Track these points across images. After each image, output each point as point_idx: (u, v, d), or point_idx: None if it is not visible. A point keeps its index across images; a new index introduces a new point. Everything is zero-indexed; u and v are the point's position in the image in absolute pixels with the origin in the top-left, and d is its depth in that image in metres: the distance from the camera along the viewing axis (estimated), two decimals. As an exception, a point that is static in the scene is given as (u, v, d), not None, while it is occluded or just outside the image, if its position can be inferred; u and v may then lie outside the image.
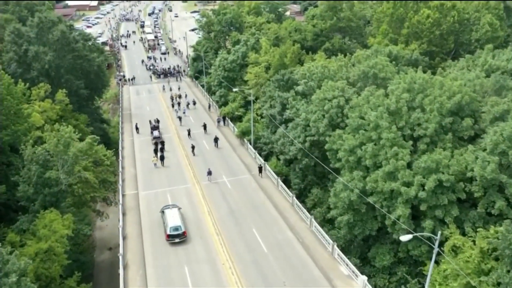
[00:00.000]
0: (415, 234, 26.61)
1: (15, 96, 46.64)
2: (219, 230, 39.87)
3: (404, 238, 24.31)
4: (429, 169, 34.63)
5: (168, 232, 38.34)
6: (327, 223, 44.53)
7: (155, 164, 53.83)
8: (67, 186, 41.90)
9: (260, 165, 51.43)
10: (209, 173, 49.85)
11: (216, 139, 59.79)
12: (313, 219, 39.32)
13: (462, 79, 42.74)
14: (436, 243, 24.78)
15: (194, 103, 79.53)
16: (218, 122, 68.45)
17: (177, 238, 38.31)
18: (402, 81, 40.94)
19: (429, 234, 26.93)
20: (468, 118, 37.26)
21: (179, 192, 47.17)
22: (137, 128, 66.47)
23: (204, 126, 65.37)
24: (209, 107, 77.56)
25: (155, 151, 56.53)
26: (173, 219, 39.40)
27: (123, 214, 42.97)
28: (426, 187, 33.92)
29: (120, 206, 43.65)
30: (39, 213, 39.06)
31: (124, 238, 39.05)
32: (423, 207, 34.52)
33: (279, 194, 46.22)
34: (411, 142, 37.57)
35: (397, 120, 38.57)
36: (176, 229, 38.43)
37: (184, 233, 38.59)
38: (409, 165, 36.37)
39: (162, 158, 54.51)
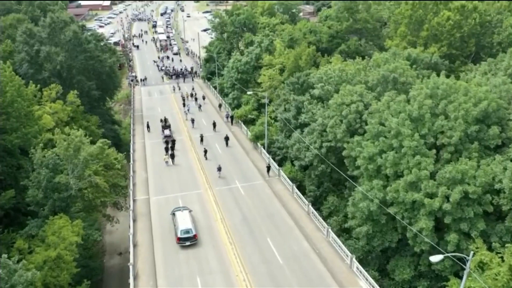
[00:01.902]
0: (447, 254, 24.98)
1: (26, 98, 45.79)
2: (232, 239, 38.53)
3: (434, 258, 22.70)
4: (454, 180, 32.95)
5: (179, 235, 37.69)
6: (344, 232, 43.00)
7: (166, 162, 54.28)
8: (77, 191, 40.87)
9: (268, 164, 51.19)
10: (219, 169, 50.38)
11: (226, 138, 59.86)
12: (330, 230, 37.78)
13: (487, 84, 40.93)
14: (468, 264, 23.17)
15: (204, 98, 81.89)
16: (227, 117, 70.21)
17: (188, 241, 37.65)
18: (425, 86, 39.28)
19: (460, 254, 25.22)
20: (495, 126, 35.46)
21: (191, 198, 45.92)
22: (148, 127, 66.85)
23: (214, 124, 66.03)
24: (220, 106, 77.16)
25: (166, 149, 57.07)
26: (184, 222, 38.75)
27: (134, 221, 41.84)
28: (451, 199, 32.26)
29: (131, 212, 42.51)
30: (48, 219, 38.17)
31: (134, 246, 37.90)
32: (447, 220, 32.86)
33: (294, 201, 44.76)
34: (434, 151, 35.88)
35: (420, 127, 36.88)
36: (187, 231, 37.79)
37: (195, 236, 37.93)
38: (432, 175, 34.69)
39: (172, 156, 55.09)
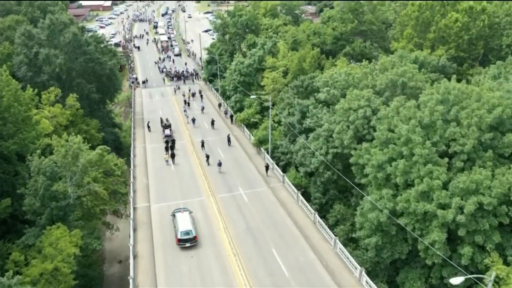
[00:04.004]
0: (468, 276, 23.59)
1: (23, 102, 44.44)
2: (236, 249, 37.15)
3: (455, 281, 21.33)
4: (468, 190, 31.57)
5: (179, 237, 37.46)
6: (351, 241, 41.66)
7: (166, 161, 54.97)
8: (75, 199, 39.53)
9: (267, 164, 51.44)
10: (219, 164, 51.78)
11: (228, 138, 60.68)
12: (337, 241, 36.39)
13: (499, 89, 39.55)
14: (489, 285, 21.79)
15: (200, 93, 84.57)
16: (225, 114, 72.42)
17: (188, 242, 37.42)
18: (435, 92, 37.92)
19: (481, 275, 23.87)
20: (510, 133, 34.01)
21: (193, 205, 44.41)
22: (148, 127, 67.25)
23: (212, 122, 67.61)
24: (220, 105, 77.05)
25: (166, 148, 57.62)
26: (184, 223, 38.48)
27: (134, 230, 40.50)
28: (465, 211, 30.85)
29: (131, 221, 41.15)
30: (45, 228, 36.87)
31: (134, 257, 36.54)
32: (461, 233, 31.45)
33: (299, 209, 43.38)
34: (446, 159, 34.47)
35: (431, 134, 35.50)
36: (187, 233, 37.56)
37: (195, 237, 37.75)
38: (444, 185, 33.27)
39: (173, 156, 55.54)
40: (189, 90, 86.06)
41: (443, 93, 37.07)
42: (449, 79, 40.56)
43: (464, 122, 34.62)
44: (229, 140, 60.51)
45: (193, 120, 68.76)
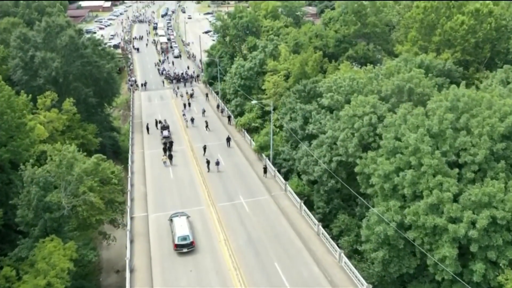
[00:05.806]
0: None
1: (17, 108, 43.01)
2: (237, 263, 35.69)
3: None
4: (480, 204, 30.11)
5: (176, 242, 37.14)
6: (355, 253, 40.24)
7: (164, 163, 55.06)
8: (70, 210, 38.03)
9: (265, 165, 51.28)
10: (217, 163, 52.36)
11: (228, 139, 60.70)
12: (343, 254, 34.93)
13: (510, 95, 38.09)
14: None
15: (207, 95, 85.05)
16: (222, 112, 74.19)
17: (185, 247, 37.14)
18: (444, 98, 36.47)
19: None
20: (522, 143, 32.62)
21: (192, 215, 42.85)
22: (147, 129, 66.75)
23: (206, 125, 67.49)
24: (218, 106, 76.77)
25: (164, 150, 57.88)
26: (181, 228, 38.03)
27: (131, 241, 39.03)
28: (477, 225, 29.38)
29: (128, 232, 39.69)
30: (38, 241, 35.44)
31: (131, 271, 35.07)
32: (473, 248, 29.97)
33: (302, 219, 41.93)
34: (456, 170, 32.99)
35: (440, 143, 34.02)
36: (184, 238, 37.21)
37: (192, 242, 37.41)
38: (455, 197, 31.78)
39: (170, 157, 55.81)
40: (187, 93, 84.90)
41: (452, 100, 35.59)
42: (456, 83, 39.12)
43: (475, 131, 33.16)
44: (228, 141, 60.15)
45: (192, 119, 68.71)
